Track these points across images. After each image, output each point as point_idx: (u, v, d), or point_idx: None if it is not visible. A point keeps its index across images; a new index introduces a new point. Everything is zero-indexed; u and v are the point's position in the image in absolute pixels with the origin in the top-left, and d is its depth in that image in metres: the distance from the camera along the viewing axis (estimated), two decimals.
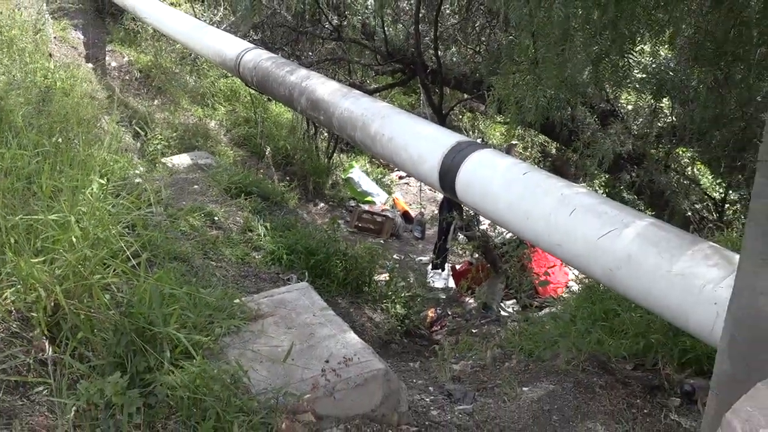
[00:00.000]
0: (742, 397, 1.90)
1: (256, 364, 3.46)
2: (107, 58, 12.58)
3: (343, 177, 14.11)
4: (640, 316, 4.32)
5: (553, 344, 4.58)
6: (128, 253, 3.39)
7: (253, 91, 11.56)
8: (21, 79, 6.12)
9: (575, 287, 6.45)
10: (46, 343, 3.01)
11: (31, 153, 4.03)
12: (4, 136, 4.15)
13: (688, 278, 2.84)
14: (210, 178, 7.84)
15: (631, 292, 3.18)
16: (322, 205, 12.97)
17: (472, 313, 8.49)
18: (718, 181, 7.86)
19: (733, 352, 2.26)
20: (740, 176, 6.65)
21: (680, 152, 7.96)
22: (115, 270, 3.34)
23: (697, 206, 7.49)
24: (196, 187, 7.52)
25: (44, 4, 10.66)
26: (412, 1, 9.70)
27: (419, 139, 4.64)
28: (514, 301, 8.35)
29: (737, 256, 2.33)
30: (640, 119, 7.76)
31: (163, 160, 8.53)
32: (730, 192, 7.54)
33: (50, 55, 8.95)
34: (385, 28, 9.74)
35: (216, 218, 6.58)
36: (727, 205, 7.62)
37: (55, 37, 10.68)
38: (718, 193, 7.83)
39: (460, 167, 4.01)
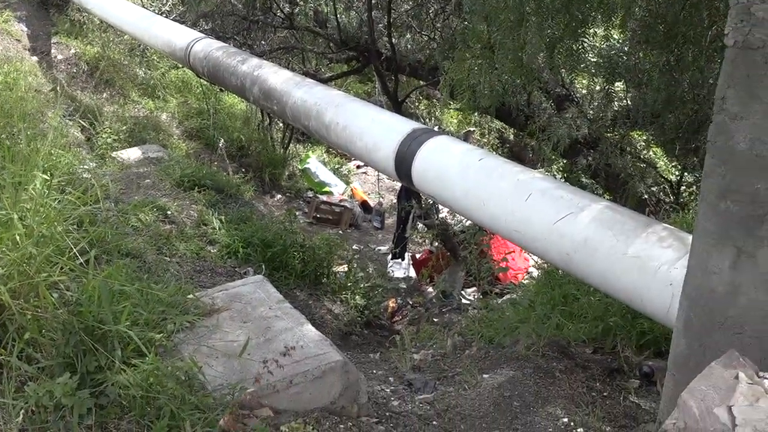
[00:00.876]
0: (697, 376, 1.93)
1: (211, 360, 3.42)
2: (53, 51, 12.30)
3: (299, 168, 14.00)
4: (599, 300, 4.37)
5: (513, 330, 4.60)
6: (75, 250, 3.33)
7: (204, 82, 11.40)
8: None
9: (535, 273, 6.48)
10: None
11: None
12: None
13: (643, 260, 2.88)
14: (162, 172, 7.71)
15: (588, 275, 3.22)
16: (279, 196, 12.87)
17: (432, 302, 8.50)
18: (673, 164, 7.98)
19: (689, 333, 2.30)
20: (695, 158, 6.76)
21: (635, 135, 8.06)
22: (62, 268, 3.27)
23: (653, 189, 7.59)
24: (147, 181, 7.39)
25: None
26: None
27: (374, 127, 4.62)
28: (475, 288, 8.37)
29: (691, 237, 2.36)
30: (595, 103, 7.84)
31: (113, 154, 8.37)
32: (686, 174, 7.66)
33: None
34: (338, 15, 9.70)
35: (169, 213, 6.48)
36: (683, 187, 7.74)
37: None
38: (673, 176, 7.95)
39: (416, 155, 4.01)
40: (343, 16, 10.07)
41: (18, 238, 3.14)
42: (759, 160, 1.99)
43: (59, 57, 12.22)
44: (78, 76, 12.00)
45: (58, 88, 9.58)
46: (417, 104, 15.19)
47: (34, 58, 11.14)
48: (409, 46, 9.79)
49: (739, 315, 2.12)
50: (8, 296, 2.94)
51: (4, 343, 2.98)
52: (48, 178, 3.69)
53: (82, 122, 8.09)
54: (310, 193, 13.47)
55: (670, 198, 7.62)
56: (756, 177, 2.00)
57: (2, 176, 3.54)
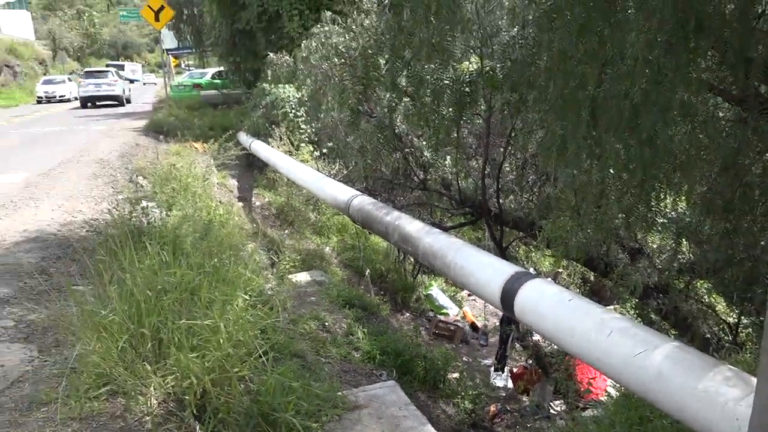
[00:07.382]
0: None
1: None
2: (253, 199, 13.18)
3: (423, 294, 13.86)
4: (671, 424, 3.98)
5: None
6: (260, 351, 3.42)
7: (358, 227, 11.73)
8: (191, 214, 6.45)
9: (612, 392, 5.99)
10: (197, 426, 3.02)
11: (196, 272, 4.16)
12: (177, 257, 4.32)
13: (712, 395, 2.63)
14: (323, 292, 7.89)
15: (662, 404, 2.97)
16: (407, 315, 12.72)
17: (526, 410, 8.00)
18: (731, 309, 7.37)
19: None
20: (751, 306, 6.23)
21: (698, 284, 7.54)
22: (249, 366, 3.36)
23: (714, 329, 7.01)
24: (312, 298, 7.58)
25: (211, 160, 11.38)
26: (480, 162, 9.82)
27: (485, 268, 4.57)
28: (562, 401, 7.86)
29: (754, 379, 2.16)
30: (663, 256, 7.44)
31: (289, 276, 8.67)
32: (743, 318, 7.04)
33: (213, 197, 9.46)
34: (459, 181, 9.89)
35: (326, 323, 6.57)
36: (740, 328, 7.09)
37: (217, 183, 11.31)
38: (732, 318, 7.32)
39: (518, 293, 3.92)
40: (463, 182, 10.25)
41: (221, 341, 3.28)
42: None
43: (257, 203, 13.05)
44: (269, 218, 12.71)
45: (254, 225, 10.17)
46: (518, 249, 14.91)
47: (240, 204, 11.94)
48: (512, 205, 9.79)
49: None
50: (210, 384, 3.05)
51: (204, 420, 3.06)
52: (247, 298, 3.86)
53: (269, 252, 8.49)
54: (431, 314, 13.23)
55: (729, 337, 6.99)
56: None
57: (215, 293, 3.73)
